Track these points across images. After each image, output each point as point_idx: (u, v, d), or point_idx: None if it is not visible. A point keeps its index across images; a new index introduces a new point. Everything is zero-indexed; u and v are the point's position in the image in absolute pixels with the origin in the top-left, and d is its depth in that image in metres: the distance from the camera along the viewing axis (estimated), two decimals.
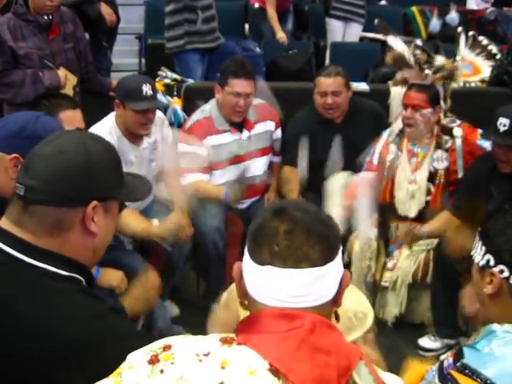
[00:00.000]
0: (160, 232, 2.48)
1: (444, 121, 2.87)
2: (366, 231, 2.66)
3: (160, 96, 3.24)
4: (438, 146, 2.84)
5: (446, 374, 1.20)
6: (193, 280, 3.18)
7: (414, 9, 5.74)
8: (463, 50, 3.96)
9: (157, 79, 3.50)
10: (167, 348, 0.88)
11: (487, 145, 2.75)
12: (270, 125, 3.10)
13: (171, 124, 3.16)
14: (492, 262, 1.25)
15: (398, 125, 2.97)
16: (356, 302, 1.82)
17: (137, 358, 0.88)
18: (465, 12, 5.75)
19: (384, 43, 5.01)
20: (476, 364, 1.16)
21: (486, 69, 3.84)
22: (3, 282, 1.11)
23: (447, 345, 2.75)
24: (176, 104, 3.38)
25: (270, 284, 0.91)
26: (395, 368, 1.36)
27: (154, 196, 3.07)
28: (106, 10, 4.07)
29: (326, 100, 2.98)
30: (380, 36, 5.20)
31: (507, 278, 1.23)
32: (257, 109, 3.05)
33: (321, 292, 0.92)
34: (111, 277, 2.26)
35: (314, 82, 3.05)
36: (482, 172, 2.67)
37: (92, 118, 2.62)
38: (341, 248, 0.96)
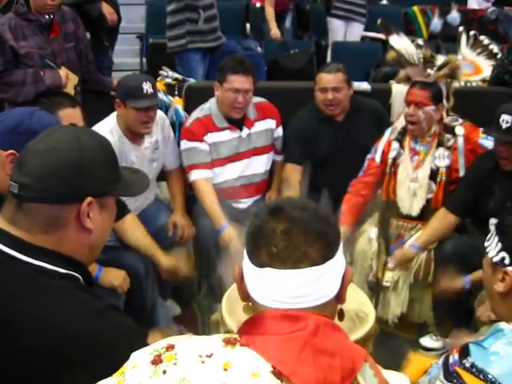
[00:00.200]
0: (162, 261, 2.47)
1: (446, 119, 2.87)
2: None
3: (161, 95, 3.23)
4: (440, 144, 2.83)
5: (452, 371, 1.19)
6: (194, 280, 3.18)
7: (416, 8, 5.74)
8: (464, 50, 3.95)
9: (158, 79, 3.49)
10: (170, 348, 0.87)
11: (489, 143, 2.75)
12: (271, 123, 3.09)
13: (172, 124, 3.16)
14: (507, 261, 1.24)
15: (400, 123, 2.96)
16: (358, 301, 1.82)
17: (140, 358, 0.87)
18: (466, 12, 5.75)
19: (385, 42, 5.01)
20: (482, 363, 1.15)
21: (486, 68, 3.83)
22: (1, 280, 1.11)
23: (449, 344, 2.75)
24: (177, 103, 3.38)
25: (270, 286, 0.90)
26: (397, 368, 1.35)
27: (156, 196, 3.08)
28: (107, 9, 4.06)
29: (326, 96, 2.98)
30: (381, 35, 5.21)
31: None
32: (257, 107, 3.05)
33: (322, 291, 0.91)
34: (113, 276, 2.26)
35: (315, 79, 3.05)
36: (484, 170, 2.67)
37: (93, 117, 2.61)
38: (341, 244, 0.95)
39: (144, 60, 5.29)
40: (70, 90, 3.07)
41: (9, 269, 1.11)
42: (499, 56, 3.77)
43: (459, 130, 2.83)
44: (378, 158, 2.93)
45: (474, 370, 1.16)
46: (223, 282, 1.97)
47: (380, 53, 4.91)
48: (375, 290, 2.92)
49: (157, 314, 2.63)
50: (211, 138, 2.94)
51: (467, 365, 1.17)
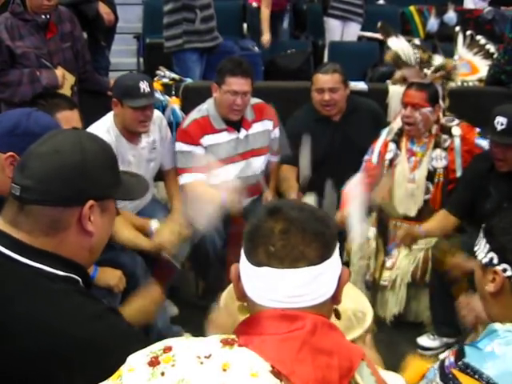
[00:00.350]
0: (149, 247, 2.48)
1: (443, 120, 2.87)
2: (359, 232, 2.63)
3: (158, 95, 3.23)
4: (437, 145, 2.84)
5: (448, 372, 1.20)
6: (191, 280, 3.18)
7: (412, 8, 5.75)
8: (461, 50, 3.97)
9: (155, 78, 3.49)
10: (168, 350, 0.87)
11: (485, 144, 2.75)
12: (268, 124, 3.09)
13: (169, 123, 3.15)
14: (495, 261, 1.25)
15: (397, 124, 2.97)
16: (355, 301, 1.82)
17: (137, 360, 0.87)
18: (462, 11, 5.77)
19: (382, 42, 5.02)
20: (477, 363, 1.16)
21: (483, 68, 3.84)
22: (0, 282, 1.11)
23: (446, 343, 2.76)
24: (174, 103, 3.38)
25: (267, 285, 0.91)
26: (394, 367, 1.36)
27: (153, 196, 3.07)
28: (104, 9, 4.06)
29: (323, 97, 2.98)
30: (378, 35, 5.22)
31: (510, 277, 1.23)
32: (254, 108, 3.05)
33: (319, 291, 0.91)
34: (109, 276, 2.26)
35: (312, 79, 3.05)
36: (480, 171, 2.68)
37: (90, 117, 2.61)
38: (338, 245, 0.96)
39: (141, 60, 5.29)
40: (66, 90, 3.07)
41: (8, 270, 1.11)
42: (495, 56, 3.79)
43: (456, 131, 2.83)
44: (374, 159, 2.94)
45: (469, 370, 1.17)
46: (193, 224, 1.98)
47: (377, 53, 4.92)
48: (373, 289, 2.92)
49: None
50: (208, 140, 2.93)
51: (462, 366, 1.18)
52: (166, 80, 3.55)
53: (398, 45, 3.04)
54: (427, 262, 2.80)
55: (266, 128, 3.08)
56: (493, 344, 1.18)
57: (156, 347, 0.88)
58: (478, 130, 2.85)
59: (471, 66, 3.91)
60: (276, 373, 0.83)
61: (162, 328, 2.46)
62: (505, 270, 1.24)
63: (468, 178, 2.75)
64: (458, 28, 4.15)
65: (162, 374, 0.83)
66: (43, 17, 3.04)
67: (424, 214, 2.82)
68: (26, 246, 1.12)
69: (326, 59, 5.04)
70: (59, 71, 3.06)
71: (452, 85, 3.03)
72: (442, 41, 4.52)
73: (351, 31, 5.28)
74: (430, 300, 2.81)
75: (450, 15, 5.65)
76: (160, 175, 3.07)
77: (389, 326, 2.90)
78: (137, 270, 2.50)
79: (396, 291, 2.88)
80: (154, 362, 0.85)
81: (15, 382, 1.05)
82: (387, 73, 4.07)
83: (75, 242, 1.16)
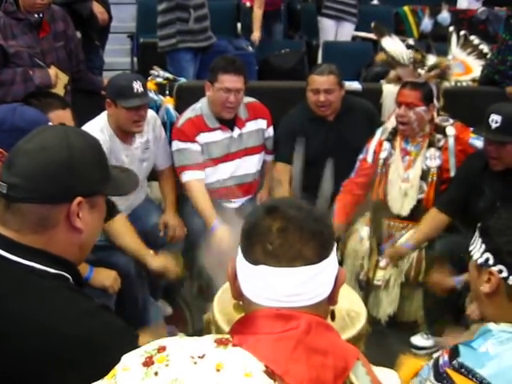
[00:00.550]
0: (153, 264, 2.46)
1: (437, 119, 2.88)
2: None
3: (152, 95, 3.22)
4: (431, 145, 2.84)
5: (442, 372, 1.19)
6: (186, 279, 3.17)
7: (406, 8, 5.77)
8: (455, 50, 3.98)
9: (149, 78, 3.48)
10: (162, 350, 0.87)
11: (479, 143, 2.76)
12: (262, 123, 3.09)
13: (163, 123, 3.15)
14: (491, 261, 1.25)
15: (391, 123, 2.97)
16: (349, 300, 1.83)
17: (131, 360, 0.87)
18: (456, 12, 5.79)
19: (376, 42, 5.03)
20: (472, 363, 1.16)
21: (477, 68, 3.86)
22: None
23: (441, 342, 2.76)
24: (168, 103, 3.37)
25: (264, 284, 0.90)
26: (388, 366, 1.36)
27: (146, 195, 3.07)
28: (97, 8, 4.04)
29: (318, 98, 2.98)
30: (372, 35, 5.22)
31: (505, 279, 1.23)
32: (248, 107, 3.05)
33: (316, 290, 0.91)
34: (104, 276, 2.26)
35: (307, 80, 3.05)
36: (474, 170, 2.68)
37: (83, 116, 2.60)
38: (335, 245, 0.95)
39: (135, 59, 5.28)
40: (59, 89, 3.05)
41: None
42: (489, 56, 3.80)
43: (450, 131, 2.84)
44: (369, 159, 2.94)
45: (463, 370, 1.17)
46: (210, 278, 1.96)
47: (371, 52, 4.93)
48: (366, 289, 2.93)
49: (148, 315, 2.62)
50: (203, 138, 2.93)
51: (456, 365, 1.18)
52: (159, 79, 3.55)
53: (392, 45, 3.04)
54: (421, 261, 2.81)
55: (259, 127, 3.08)
56: (487, 344, 1.18)
57: (150, 347, 0.88)
58: (471, 129, 2.86)
59: (465, 65, 3.92)
60: (270, 373, 0.83)
61: (155, 328, 2.45)
62: (500, 271, 1.23)
63: (461, 176, 2.75)
64: (451, 28, 4.16)
65: (156, 373, 0.83)
66: (36, 16, 3.02)
67: (417, 213, 2.83)
68: (16, 244, 1.11)
69: (319, 59, 5.04)
70: (52, 70, 3.05)
71: (446, 85, 3.04)
72: (436, 41, 4.52)
73: (345, 31, 5.29)
74: (423, 299, 2.81)
75: (444, 15, 5.67)
76: (154, 175, 3.07)
77: (382, 325, 2.90)
78: (131, 270, 2.50)
79: (390, 291, 2.88)
80: (148, 362, 0.85)
81: (8, 382, 1.05)
82: (381, 73, 4.08)
83: (64, 239, 1.15)
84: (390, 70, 3.32)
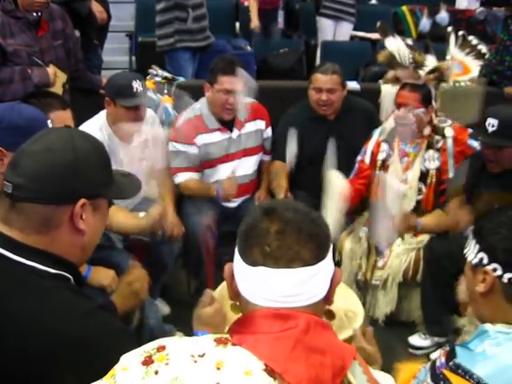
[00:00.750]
0: (149, 223, 2.46)
1: (435, 121, 2.88)
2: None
3: (151, 94, 3.22)
4: (430, 146, 2.85)
5: (439, 373, 1.20)
6: (183, 279, 3.18)
7: (405, 8, 5.78)
8: (453, 50, 3.97)
9: (147, 77, 3.48)
10: (161, 349, 0.87)
11: (478, 144, 2.76)
12: (260, 124, 3.10)
13: (162, 122, 3.14)
14: (485, 261, 1.25)
15: (389, 124, 2.98)
16: (347, 300, 1.83)
17: (130, 360, 0.87)
18: (455, 12, 5.80)
19: (374, 42, 5.04)
20: (468, 364, 1.17)
21: (475, 68, 3.86)
22: None
23: (437, 343, 2.77)
24: (167, 102, 3.37)
25: (262, 284, 0.91)
26: (386, 366, 1.36)
27: (144, 194, 3.06)
28: (96, 7, 4.05)
29: (320, 96, 2.99)
30: (370, 35, 5.24)
31: (500, 277, 1.24)
32: (247, 108, 3.05)
33: (313, 291, 0.92)
34: (102, 276, 2.25)
35: (310, 78, 3.06)
36: (472, 171, 2.68)
37: (82, 115, 2.60)
38: (331, 246, 0.97)
39: (133, 58, 5.28)
40: (58, 88, 3.05)
41: (0, 268, 1.11)
42: (487, 56, 3.80)
43: (448, 132, 2.84)
44: (367, 160, 2.94)
45: (459, 370, 1.17)
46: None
47: (369, 52, 4.94)
48: (364, 289, 2.93)
49: (146, 314, 2.62)
50: (201, 139, 2.93)
51: (453, 366, 1.18)
52: (158, 79, 3.55)
53: (395, 45, 3.05)
54: (419, 261, 2.81)
55: (258, 128, 3.08)
56: (484, 345, 1.18)
57: (149, 346, 0.88)
58: (470, 130, 2.86)
59: (463, 66, 3.92)
60: (269, 371, 0.84)
61: (154, 327, 2.45)
62: (495, 270, 1.24)
63: (461, 170, 2.73)
64: (450, 28, 4.16)
65: (156, 372, 0.83)
66: (34, 14, 3.02)
67: (416, 214, 2.83)
68: (18, 244, 1.12)
69: (318, 59, 5.05)
70: (51, 69, 3.05)
71: (444, 85, 3.04)
72: (434, 41, 4.53)
73: (343, 31, 5.30)
74: (421, 299, 2.82)
75: (443, 15, 5.68)
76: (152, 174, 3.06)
77: (380, 325, 2.90)
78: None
79: (387, 291, 2.88)
80: (147, 361, 0.85)
81: (7, 382, 1.05)
82: (379, 72, 4.08)
83: (67, 240, 1.16)
84: (387, 70, 3.32)
